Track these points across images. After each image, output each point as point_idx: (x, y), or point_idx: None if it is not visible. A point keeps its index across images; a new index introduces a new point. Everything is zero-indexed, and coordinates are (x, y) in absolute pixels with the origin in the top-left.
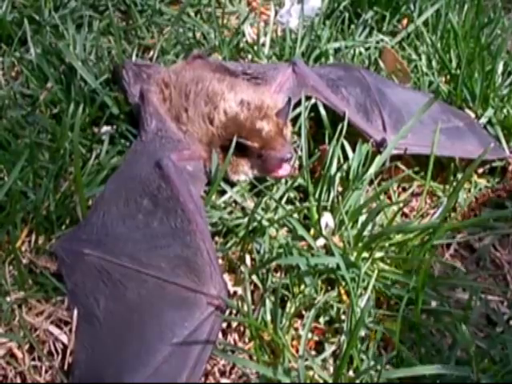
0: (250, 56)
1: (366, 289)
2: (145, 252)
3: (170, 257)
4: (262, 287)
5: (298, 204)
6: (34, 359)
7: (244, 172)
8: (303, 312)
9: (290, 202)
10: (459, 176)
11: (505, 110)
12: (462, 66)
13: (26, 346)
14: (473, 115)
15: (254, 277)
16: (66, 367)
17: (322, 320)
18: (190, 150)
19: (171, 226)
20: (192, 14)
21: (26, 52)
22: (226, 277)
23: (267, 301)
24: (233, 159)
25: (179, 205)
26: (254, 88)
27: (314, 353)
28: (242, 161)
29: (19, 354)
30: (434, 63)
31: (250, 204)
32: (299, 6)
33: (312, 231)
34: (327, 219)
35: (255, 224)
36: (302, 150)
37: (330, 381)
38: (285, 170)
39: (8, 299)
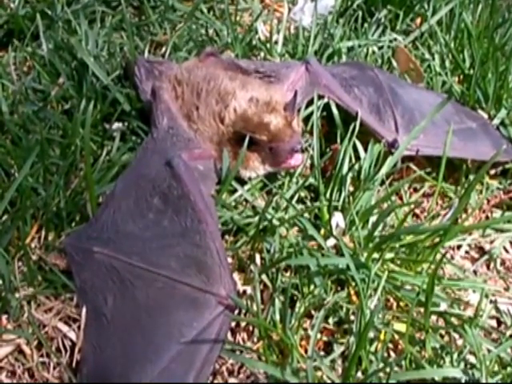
0: (262, 53)
1: (375, 290)
2: (154, 251)
3: (180, 256)
4: (271, 287)
5: (308, 203)
6: (42, 356)
7: (255, 168)
8: (312, 312)
9: (300, 201)
10: (471, 177)
11: None
12: (476, 66)
13: (35, 343)
14: (486, 116)
15: (263, 276)
16: (74, 364)
17: (331, 320)
18: (200, 148)
19: (181, 226)
20: (205, 11)
21: (38, 47)
22: (236, 276)
23: (276, 300)
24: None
25: (190, 204)
26: (265, 86)
27: (322, 353)
28: (252, 156)
29: (27, 351)
30: (447, 63)
31: (260, 203)
32: (312, 3)
33: (322, 231)
34: (338, 219)
35: (265, 223)
36: (313, 150)
37: (339, 381)
38: (297, 159)
39: (17, 295)
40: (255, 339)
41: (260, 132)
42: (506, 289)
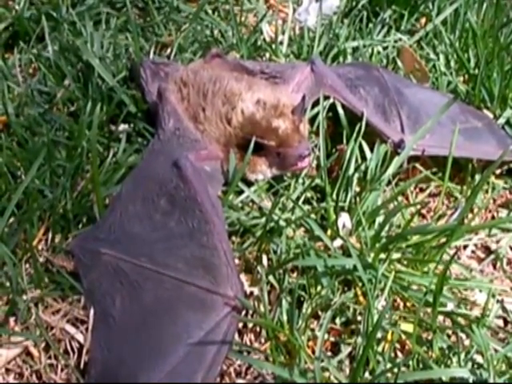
0: (267, 54)
1: (382, 290)
2: (162, 252)
3: (187, 257)
4: (278, 288)
5: (315, 204)
6: (49, 358)
7: (262, 171)
8: (319, 313)
9: (307, 202)
10: (477, 177)
11: None
12: (481, 65)
13: (42, 345)
14: (491, 115)
15: (270, 277)
16: (81, 366)
17: (338, 321)
18: (207, 150)
19: (188, 227)
20: (210, 12)
21: (43, 49)
22: (243, 277)
23: (284, 301)
24: (250, 159)
25: (197, 205)
26: (271, 87)
27: (330, 354)
28: (259, 160)
29: (35, 353)
30: (452, 63)
31: (267, 204)
32: (317, 4)
33: (329, 232)
34: (344, 220)
35: (272, 224)
36: (319, 150)
37: (346, 382)
38: (304, 162)
39: (24, 298)
40: (262, 340)
41: (268, 137)
42: None
